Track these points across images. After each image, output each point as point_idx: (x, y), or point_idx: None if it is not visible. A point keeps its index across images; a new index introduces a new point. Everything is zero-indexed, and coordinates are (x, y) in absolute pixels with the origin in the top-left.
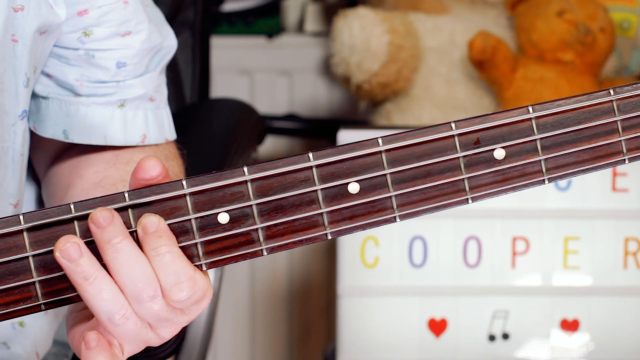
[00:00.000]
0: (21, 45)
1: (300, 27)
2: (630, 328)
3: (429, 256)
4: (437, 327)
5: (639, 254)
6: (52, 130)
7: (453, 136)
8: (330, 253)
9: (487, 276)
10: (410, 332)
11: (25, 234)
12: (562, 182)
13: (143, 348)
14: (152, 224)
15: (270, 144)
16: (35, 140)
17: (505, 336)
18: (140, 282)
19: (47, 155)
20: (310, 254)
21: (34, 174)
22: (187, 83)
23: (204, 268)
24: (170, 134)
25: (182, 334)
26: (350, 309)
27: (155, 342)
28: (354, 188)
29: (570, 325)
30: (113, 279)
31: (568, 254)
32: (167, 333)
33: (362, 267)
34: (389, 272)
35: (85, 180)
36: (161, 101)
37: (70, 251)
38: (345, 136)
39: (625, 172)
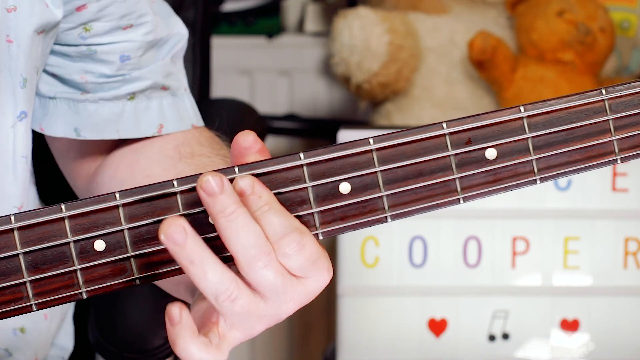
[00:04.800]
0: (16, 46)
1: (300, 27)
2: (630, 328)
3: (429, 256)
4: (437, 327)
5: (639, 254)
6: (62, 129)
7: (444, 135)
8: (330, 253)
9: (487, 276)
10: (410, 332)
11: (16, 233)
12: (562, 182)
13: (257, 331)
14: (247, 186)
15: (270, 144)
16: (75, 145)
17: (505, 336)
18: (254, 248)
19: (88, 160)
20: None
21: (35, 177)
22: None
23: None
24: (197, 119)
25: None
26: (350, 309)
27: (272, 318)
28: (345, 188)
29: (570, 325)
30: (226, 245)
31: (568, 254)
32: (285, 308)
33: (362, 267)
34: (389, 272)
35: (157, 179)
36: (178, 88)
37: (175, 235)
38: (345, 136)
39: (625, 172)
